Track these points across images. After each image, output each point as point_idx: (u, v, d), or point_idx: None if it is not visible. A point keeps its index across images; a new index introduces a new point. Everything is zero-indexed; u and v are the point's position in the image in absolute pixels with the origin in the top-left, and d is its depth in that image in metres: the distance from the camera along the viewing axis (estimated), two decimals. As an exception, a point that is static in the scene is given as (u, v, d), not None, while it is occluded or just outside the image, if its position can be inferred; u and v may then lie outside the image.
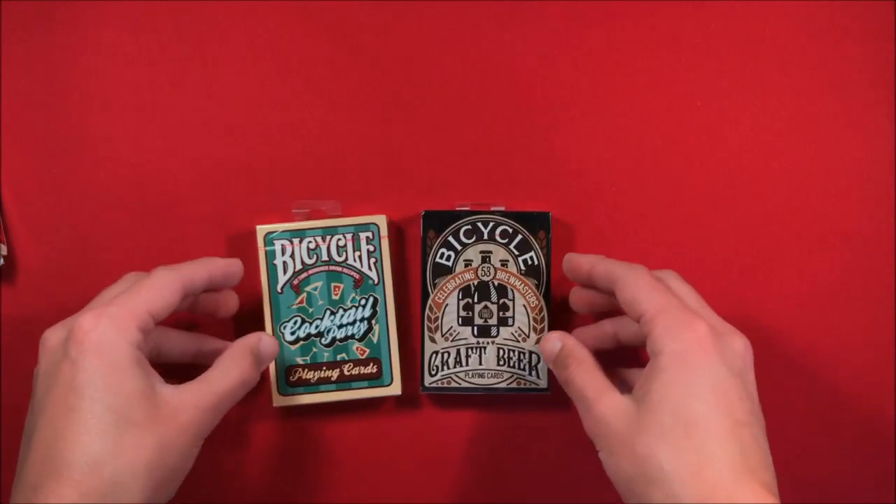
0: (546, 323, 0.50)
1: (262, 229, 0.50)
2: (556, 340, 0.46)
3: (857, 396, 0.54)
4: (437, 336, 0.50)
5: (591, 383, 0.43)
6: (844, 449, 0.54)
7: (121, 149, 0.52)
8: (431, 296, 0.50)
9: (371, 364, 0.50)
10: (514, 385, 0.50)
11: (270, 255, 0.50)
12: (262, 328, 0.50)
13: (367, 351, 0.50)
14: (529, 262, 0.50)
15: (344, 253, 0.50)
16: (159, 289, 0.43)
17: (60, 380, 0.40)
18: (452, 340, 0.50)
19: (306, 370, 0.50)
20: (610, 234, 0.53)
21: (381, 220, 0.50)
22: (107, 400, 0.39)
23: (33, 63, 0.52)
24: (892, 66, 0.52)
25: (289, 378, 0.50)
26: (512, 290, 0.50)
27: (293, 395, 0.50)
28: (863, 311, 0.53)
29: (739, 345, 0.41)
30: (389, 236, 0.51)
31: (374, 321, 0.50)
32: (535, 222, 0.50)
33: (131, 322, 0.41)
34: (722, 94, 0.53)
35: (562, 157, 0.53)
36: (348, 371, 0.50)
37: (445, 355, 0.50)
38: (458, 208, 0.50)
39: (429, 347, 0.50)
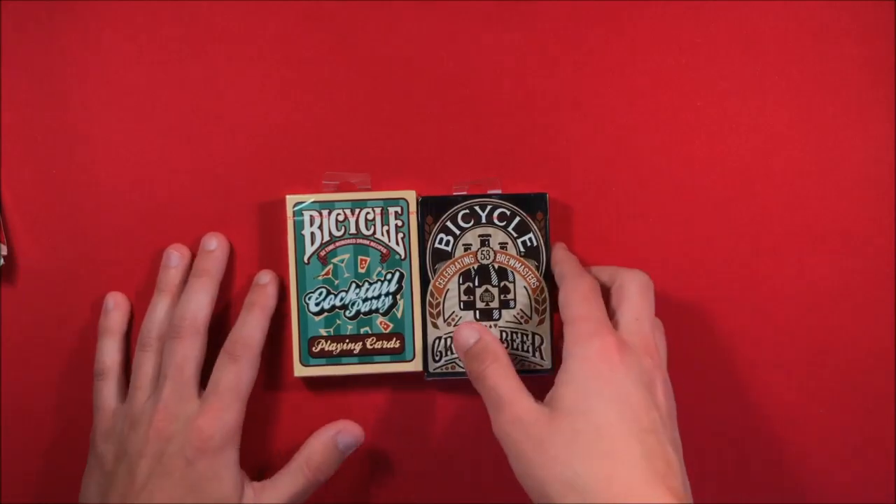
0: (548, 304, 0.50)
1: (291, 199, 0.50)
2: (472, 332, 0.46)
3: (857, 396, 0.54)
4: (440, 321, 0.50)
5: (505, 383, 0.43)
6: (844, 449, 0.54)
7: (121, 149, 0.52)
8: (432, 281, 0.50)
9: (394, 339, 0.50)
10: (518, 367, 0.49)
11: (299, 226, 0.50)
12: (287, 298, 0.51)
13: (391, 326, 0.50)
14: (528, 244, 0.50)
15: (372, 227, 0.50)
16: (250, 370, 0.49)
17: (172, 471, 0.46)
18: (455, 325, 0.50)
19: (329, 342, 0.50)
20: (609, 237, 0.53)
21: (411, 196, 0.50)
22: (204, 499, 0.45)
23: (33, 63, 0.52)
24: (892, 66, 0.52)
25: (311, 349, 0.50)
26: (512, 273, 0.50)
27: (315, 366, 0.50)
28: (863, 311, 0.53)
29: (647, 363, 0.43)
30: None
31: (399, 296, 0.50)
32: (532, 203, 0.50)
33: (239, 425, 0.48)
34: (722, 94, 0.53)
35: (561, 158, 0.53)
36: (371, 345, 0.50)
37: (449, 340, 0.50)
38: (455, 192, 0.51)
39: (431, 333, 0.50)
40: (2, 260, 0.51)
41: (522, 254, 0.50)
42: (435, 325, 0.50)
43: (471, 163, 0.53)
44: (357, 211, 0.50)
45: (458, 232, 0.50)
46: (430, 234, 0.50)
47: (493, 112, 0.53)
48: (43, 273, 0.52)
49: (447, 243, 0.50)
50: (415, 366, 0.50)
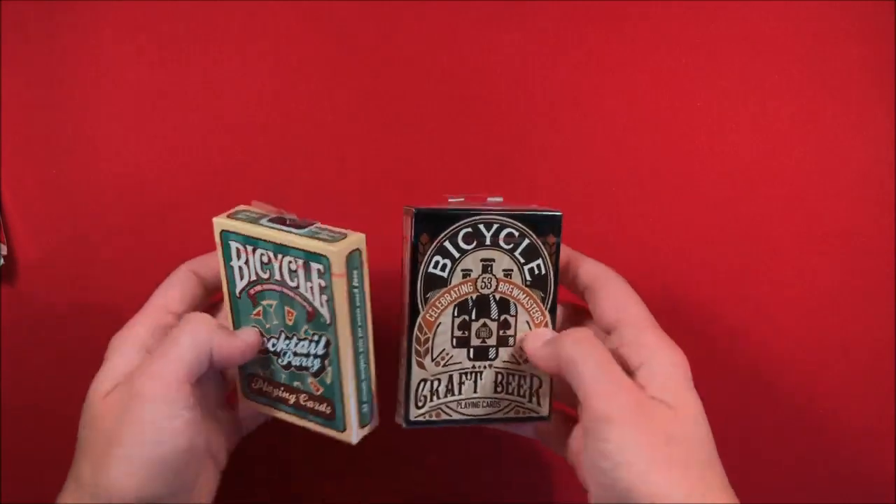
0: None
1: (218, 223, 0.42)
2: (544, 332, 0.43)
3: (857, 396, 0.54)
4: (427, 361, 0.42)
5: (617, 364, 0.39)
6: (844, 449, 0.54)
7: (121, 149, 0.52)
8: (422, 313, 0.42)
9: (325, 404, 0.43)
10: (511, 414, 0.44)
11: (227, 256, 0.42)
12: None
13: (322, 389, 0.43)
14: (536, 272, 0.43)
15: (296, 279, 0.41)
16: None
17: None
18: (444, 366, 0.43)
19: (266, 383, 0.44)
20: (608, 234, 0.53)
21: (338, 256, 0.39)
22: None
23: (33, 63, 0.52)
24: (892, 66, 0.52)
25: (251, 384, 0.45)
26: (515, 305, 0.43)
27: (254, 401, 0.45)
28: (863, 311, 0.53)
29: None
30: (367, 255, 0.41)
31: (326, 362, 0.42)
32: (544, 224, 0.43)
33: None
34: (722, 94, 0.53)
35: (561, 158, 0.53)
36: (304, 402, 0.43)
37: (435, 383, 0.43)
38: (450, 201, 0.43)
39: (416, 375, 0.42)
40: (2, 260, 0.51)
41: (528, 283, 0.43)
42: (421, 366, 0.42)
43: (469, 163, 0.53)
44: (280, 257, 0.41)
45: (457, 255, 0.42)
46: (423, 255, 0.41)
47: (493, 112, 0.53)
48: (43, 273, 0.53)
49: (443, 268, 0.42)
50: (346, 437, 0.43)
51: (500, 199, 0.44)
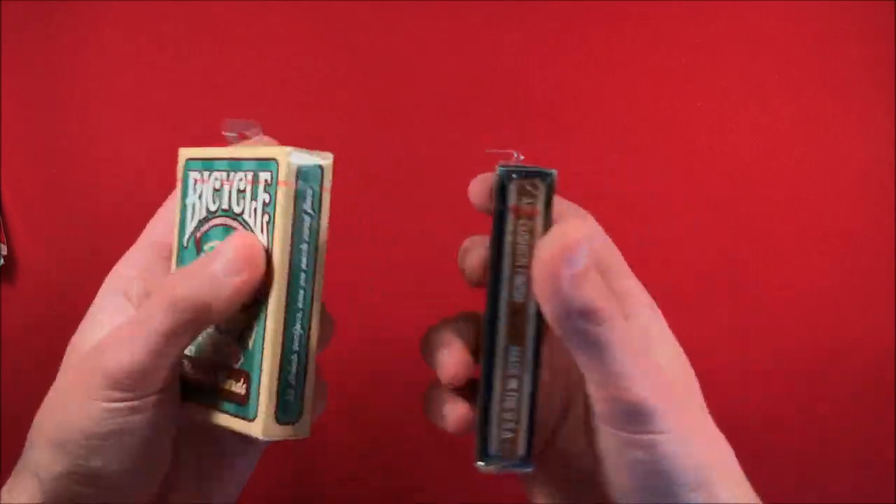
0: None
1: (185, 153, 0.35)
2: (585, 250, 0.28)
3: (857, 396, 0.54)
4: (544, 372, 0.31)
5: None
6: (844, 449, 0.54)
7: (121, 149, 0.52)
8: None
9: (241, 380, 0.31)
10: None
11: (184, 192, 0.34)
12: None
13: (241, 359, 0.31)
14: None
15: (242, 201, 0.32)
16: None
17: None
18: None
19: (192, 367, 0.34)
20: (607, 233, 0.53)
21: (284, 156, 0.31)
22: None
23: (33, 63, 0.52)
24: (892, 66, 0.52)
25: (185, 374, 0.34)
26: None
27: (192, 401, 0.33)
28: (863, 311, 0.53)
29: None
30: (326, 186, 0.33)
31: (253, 315, 0.31)
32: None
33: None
34: (722, 94, 0.53)
35: (560, 158, 0.53)
36: (221, 381, 0.32)
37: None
38: (518, 159, 0.35)
39: (539, 402, 0.31)
40: (2, 260, 0.51)
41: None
42: (542, 387, 0.31)
43: (469, 163, 0.53)
44: (231, 176, 0.32)
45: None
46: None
47: (493, 111, 0.53)
48: (43, 273, 0.52)
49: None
50: (254, 428, 0.31)
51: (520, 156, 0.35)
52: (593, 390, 0.30)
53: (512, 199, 0.31)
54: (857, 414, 0.54)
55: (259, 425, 0.30)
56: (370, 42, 0.52)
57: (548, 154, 0.53)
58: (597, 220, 0.53)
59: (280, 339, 0.30)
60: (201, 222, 0.34)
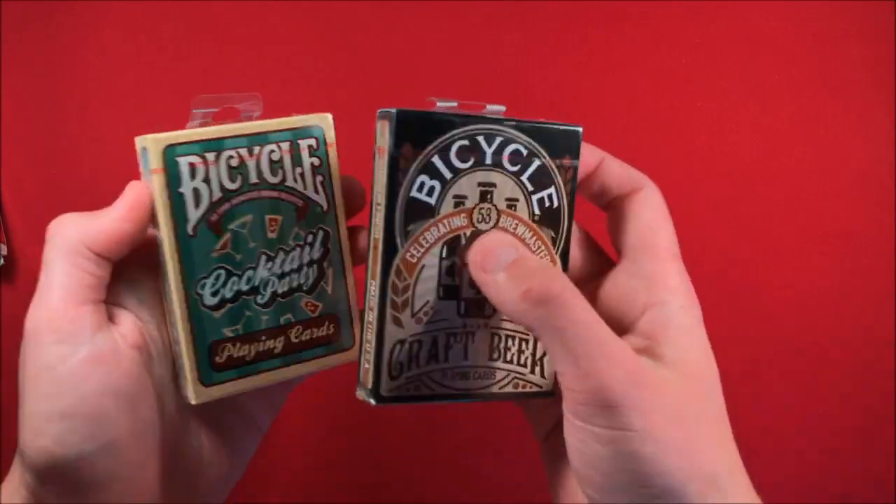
0: None
1: (157, 140, 0.33)
2: (508, 245, 0.31)
3: (857, 396, 0.54)
4: (405, 316, 0.32)
5: (599, 321, 0.29)
6: (844, 449, 0.54)
7: (121, 149, 0.52)
8: (401, 252, 0.32)
9: (326, 323, 0.36)
10: (508, 389, 0.34)
11: (174, 181, 0.33)
12: (164, 295, 0.35)
13: (320, 306, 0.36)
14: (547, 204, 0.34)
15: (280, 171, 0.35)
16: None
17: None
18: (427, 323, 0.32)
19: (238, 344, 0.35)
20: (607, 234, 0.53)
21: (327, 121, 0.36)
22: None
23: (33, 63, 0.52)
24: (892, 66, 0.52)
25: (214, 359, 0.34)
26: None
27: (223, 382, 0.34)
28: (863, 311, 0.53)
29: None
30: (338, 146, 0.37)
31: (325, 264, 0.36)
32: (561, 142, 0.34)
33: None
34: (722, 94, 0.53)
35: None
36: (297, 336, 0.36)
37: (415, 347, 0.32)
38: (438, 105, 0.33)
39: (391, 335, 0.32)
40: (2, 260, 0.51)
41: (537, 218, 0.34)
42: (398, 322, 0.32)
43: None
44: (258, 149, 0.35)
45: (449, 175, 0.32)
46: (405, 173, 0.31)
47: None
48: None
49: (430, 192, 0.32)
50: (354, 354, 0.36)
51: (502, 108, 0.34)
52: (558, 377, 0.29)
53: (377, 140, 0.33)
54: (857, 413, 0.54)
55: (356, 351, 0.36)
56: (370, 42, 0.52)
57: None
58: (596, 219, 0.53)
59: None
60: (216, 204, 0.34)
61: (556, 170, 0.34)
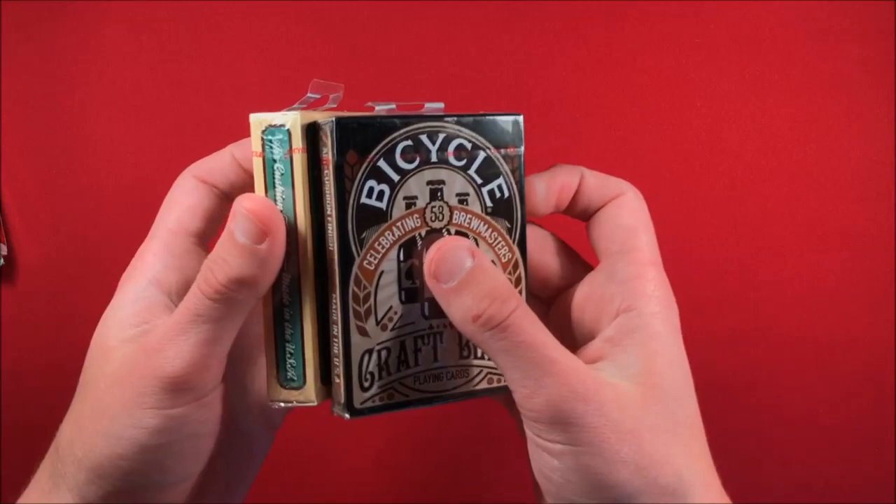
0: (524, 284, 0.34)
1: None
2: (464, 251, 0.30)
3: (857, 396, 0.54)
4: (370, 325, 0.31)
5: (547, 335, 0.29)
6: (844, 449, 0.54)
7: (121, 149, 0.52)
8: (357, 260, 0.31)
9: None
10: (483, 385, 0.34)
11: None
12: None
13: None
14: (497, 195, 0.34)
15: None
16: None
17: None
18: (392, 329, 0.32)
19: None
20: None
21: (295, 121, 0.31)
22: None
23: (33, 63, 0.52)
24: (892, 66, 0.52)
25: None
26: (475, 240, 0.33)
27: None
28: (863, 311, 0.53)
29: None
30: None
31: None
32: (502, 131, 0.34)
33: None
34: (722, 94, 0.53)
35: (561, 157, 0.53)
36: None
37: (384, 354, 0.32)
38: (377, 110, 0.33)
39: (358, 346, 0.31)
40: (2, 260, 0.51)
41: (490, 210, 0.33)
42: (363, 332, 0.31)
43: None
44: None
45: (396, 178, 0.31)
46: (353, 181, 0.31)
47: (492, 110, 0.53)
48: (43, 273, 0.52)
49: (380, 196, 0.31)
50: (305, 395, 0.32)
51: (440, 105, 0.34)
52: (512, 394, 0.29)
53: (321, 152, 0.31)
54: (857, 413, 0.54)
55: (312, 393, 0.32)
56: (370, 42, 0.52)
57: (547, 154, 0.53)
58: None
59: (315, 304, 0.32)
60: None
61: (501, 160, 0.34)
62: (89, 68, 0.52)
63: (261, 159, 0.31)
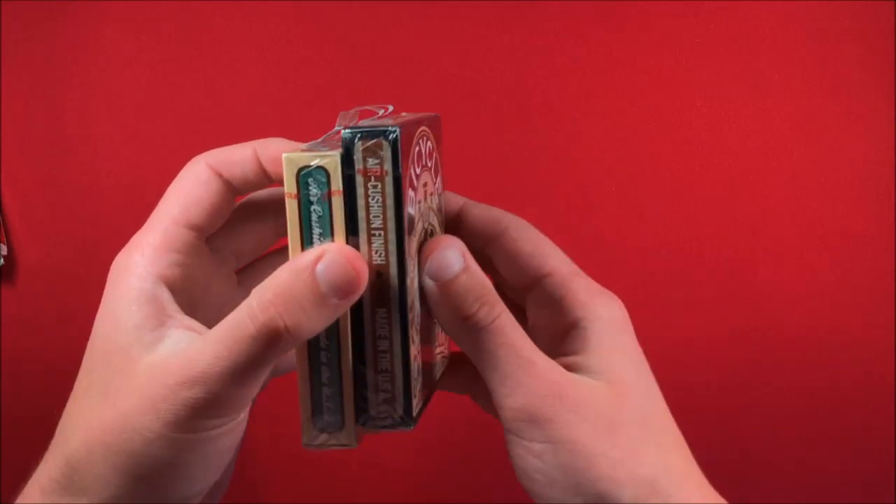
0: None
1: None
2: (455, 252, 0.30)
3: (857, 396, 0.54)
4: (414, 331, 0.31)
5: (526, 339, 0.30)
6: (844, 449, 0.54)
7: (121, 149, 0.52)
8: (409, 272, 0.31)
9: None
10: (441, 370, 0.35)
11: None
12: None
13: None
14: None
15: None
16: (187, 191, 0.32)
17: None
18: (419, 331, 0.32)
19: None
20: (607, 234, 0.53)
21: (335, 164, 0.29)
22: (91, 352, 0.31)
23: (33, 63, 0.52)
24: (892, 66, 0.52)
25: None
26: (433, 233, 0.34)
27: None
28: (862, 310, 0.53)
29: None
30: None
31: None
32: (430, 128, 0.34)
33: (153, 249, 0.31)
34: (722, 94, 0.53)
35: (561, 157, 0.53)
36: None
37: (419, 357, 0.32)
38: (382, 115, 0.35)
39: (414, 356, 0.31)
40: (2, 260, 0.51)
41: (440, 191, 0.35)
42: (413, 341, 0.31)
43: (468, 162, 0.53)
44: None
45: (416, 183, 0.32)
46: (406, 191, 0.30)
47: (492, 110, 0.53)
48: (43, 273, 0.52)
49: (411, 203, 0.31)
50: (345, 439, 0.32)
51: (391, 108, 0.35)
52: (491, 394, 0.30)
53: (359, 163, 0.30)
54: (857, 413, 0.54)
55: (353, 436, 0.31)
56: (370, 42, 0.52)
57: (547, 154, 0.53)
58: (597, 220, 0.53)
59: (351, 341, 0.31)
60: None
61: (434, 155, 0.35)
62: (89, 68, 0.52)
63: (295, 201, 0.29)
